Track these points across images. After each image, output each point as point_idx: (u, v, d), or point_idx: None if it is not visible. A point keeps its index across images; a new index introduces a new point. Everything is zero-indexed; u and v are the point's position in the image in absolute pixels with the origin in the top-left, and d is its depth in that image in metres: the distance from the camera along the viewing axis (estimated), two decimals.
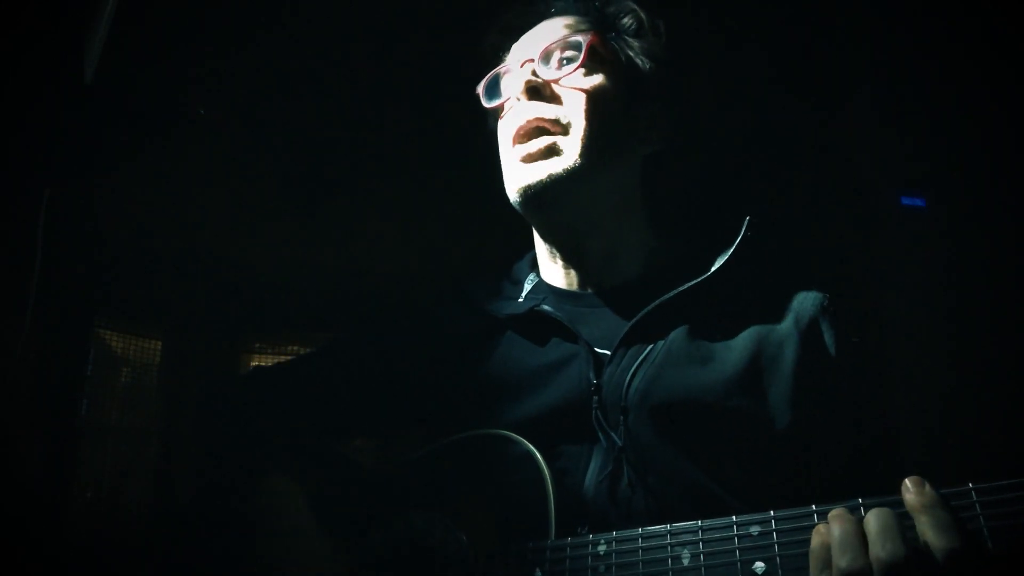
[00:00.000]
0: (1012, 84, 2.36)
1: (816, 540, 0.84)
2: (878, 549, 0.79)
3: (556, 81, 1.25)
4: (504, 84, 1.34)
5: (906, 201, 2.65)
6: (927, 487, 0.81)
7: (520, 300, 1.32)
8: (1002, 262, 2.41)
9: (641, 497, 1.07)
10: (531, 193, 1.22)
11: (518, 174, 1.24)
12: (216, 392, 1.48)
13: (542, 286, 1.34)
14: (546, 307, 1.25)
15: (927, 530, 0.79)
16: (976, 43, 2.37)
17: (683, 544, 0.91)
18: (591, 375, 1.15)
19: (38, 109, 0.98)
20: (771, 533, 0.87)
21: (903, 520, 0.81)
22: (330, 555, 1.15)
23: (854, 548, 0.80)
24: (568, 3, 1.37)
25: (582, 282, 1.30)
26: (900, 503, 0.83)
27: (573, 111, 1.23)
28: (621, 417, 1.10)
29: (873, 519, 0.82)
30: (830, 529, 0.83)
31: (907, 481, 0.83)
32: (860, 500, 0.86)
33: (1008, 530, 0.76)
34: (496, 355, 1.26)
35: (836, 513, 0.85)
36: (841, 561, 0.80)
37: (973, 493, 0.79)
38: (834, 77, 2.65)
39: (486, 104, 1.36)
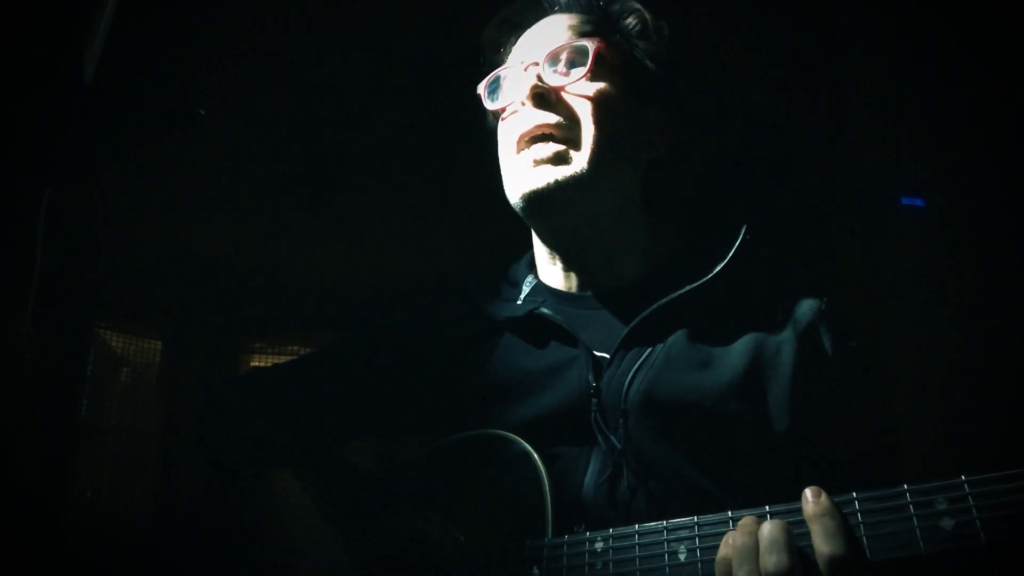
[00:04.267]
0: (1012, 84, 2.36)
1: (722, 551, 0.87)
2: (765, 559, 0.83)
3: (562, 88, 1.23)
4: (507, 86, 1.31)
5: (906, 201, 2.65)
6: (823, 497, 0.85)
7: (518, 302, 1.31)
8: (1002, 262, 2.41)
9: (641, 500, 1.06)
10: (536, 199, 1.20)
11: (523, 179, 1.22)
12: (217, 396, 1.48)
13: (540, 288, 1.33)
14: (545, 310, 1.23)
15: (816, 538, 0.83)
16: (976, 43, 2.37)
17: (679, 540, 0.91)
18: (590, 378, 1.14)
19: (38, 108, 0.98)
20: None
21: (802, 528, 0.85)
22: (329, 555, 1.14)
23: (750, 560, 0.84)
24: (571, 0, 1.35)
25: (581, 284, 1.29)
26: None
27: (579, 119, 1.21)
28: (621, 420, 1.10)
29: (764, 531, 0.85)
30: (733, 540, 0.86)
31: (806, 491, 0.86)
32: (796, 502, 0.88)
33: (999, 521, 0.77)
34: (494, 357, 1.25)
35: (742, 523, 0.88)
36: (739, 572, 0.84)
37: (966, 485, 0.79)
38: (834, 78, 2.65)
39: (488, 106, 1.33)
